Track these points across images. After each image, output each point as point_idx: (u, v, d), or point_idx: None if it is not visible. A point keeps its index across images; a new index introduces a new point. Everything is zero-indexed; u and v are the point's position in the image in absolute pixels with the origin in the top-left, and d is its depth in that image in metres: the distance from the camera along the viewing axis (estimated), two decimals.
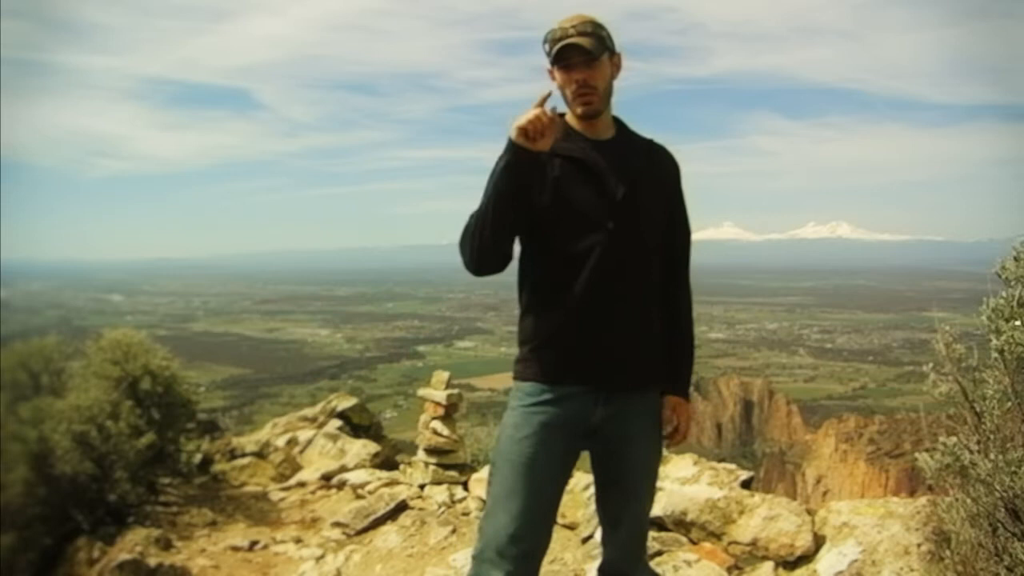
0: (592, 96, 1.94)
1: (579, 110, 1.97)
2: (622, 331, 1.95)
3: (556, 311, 1.96)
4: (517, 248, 2.02)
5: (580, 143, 1.99)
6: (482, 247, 1.88)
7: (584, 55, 1.89)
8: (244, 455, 5.85)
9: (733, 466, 3.74)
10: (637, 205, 1.97)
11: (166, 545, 4.15)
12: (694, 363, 2.18)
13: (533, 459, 1.93)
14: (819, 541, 3.18)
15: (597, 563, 2.24)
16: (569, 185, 1.95)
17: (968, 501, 2.26)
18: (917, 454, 2.43)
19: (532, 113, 1.77)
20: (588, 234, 1.93)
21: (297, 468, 5.72)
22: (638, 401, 2.02)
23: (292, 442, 6.06)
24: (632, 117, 2.10)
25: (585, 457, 2.11)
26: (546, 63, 1.97)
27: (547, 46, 1.93)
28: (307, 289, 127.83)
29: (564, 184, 1.95)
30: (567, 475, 2.06)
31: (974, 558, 2.25)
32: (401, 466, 5.21)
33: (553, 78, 1.98)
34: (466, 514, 4.39)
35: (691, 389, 2.19)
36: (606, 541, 2.17)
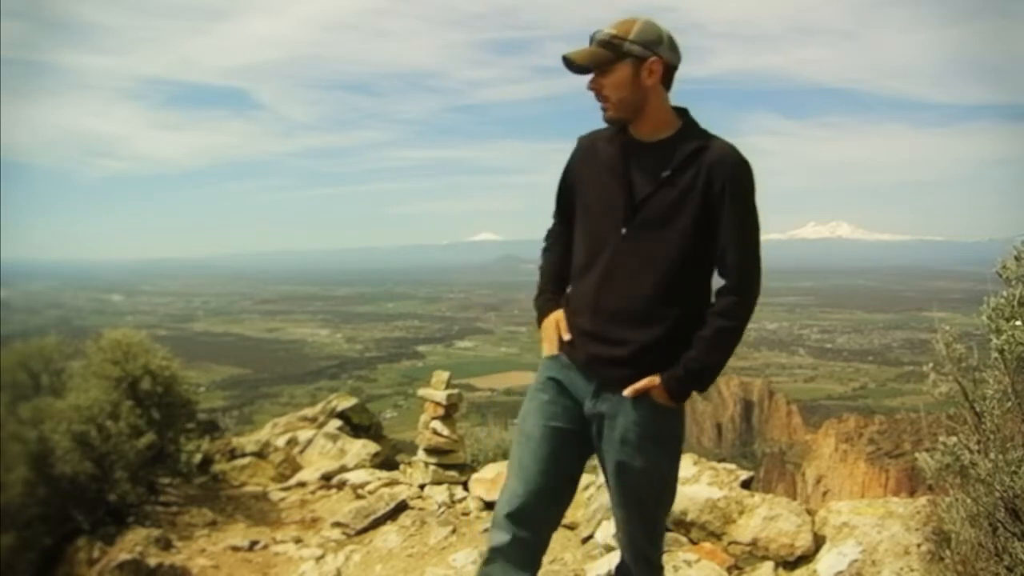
0: (605, 104, 1.96)
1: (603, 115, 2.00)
2: (623, 334, 1.95)
3: (572, 302, 2.09)
4: None
5: (620, 145, 2.00)
6: None
7: (574, 70, 1.92)
8: (244, 455, 5.84)
9: (733, 466, 3.74)
10: (656, 212, 1.92)
11: (166, 545, 4.15)
12: (703, 375, 1.98)
13: (531, 433, 2.04)
14: (819, 541, 3.18)
15: (598, 563, 2.25)
16: (596, 186, 2.03)
17: (968, 501, 2.26)
18: (917, 454, 2.43)
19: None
20: (604, 236, 1.99)
21: (297, 468, 5.72)
22: (634, 408, 1.96)
23: (292, 442, 6.06)
24: None
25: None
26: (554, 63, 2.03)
27: None
28: (307, 289, 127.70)
29: (593, 185, 2.04)
30: (572, 451, 2.05)
31: (974, 558, 2.25)
32: (401, 466, 5.21)
33: None
34: (466, 514, 4.39)
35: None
36: (617, 541, 2.21)
